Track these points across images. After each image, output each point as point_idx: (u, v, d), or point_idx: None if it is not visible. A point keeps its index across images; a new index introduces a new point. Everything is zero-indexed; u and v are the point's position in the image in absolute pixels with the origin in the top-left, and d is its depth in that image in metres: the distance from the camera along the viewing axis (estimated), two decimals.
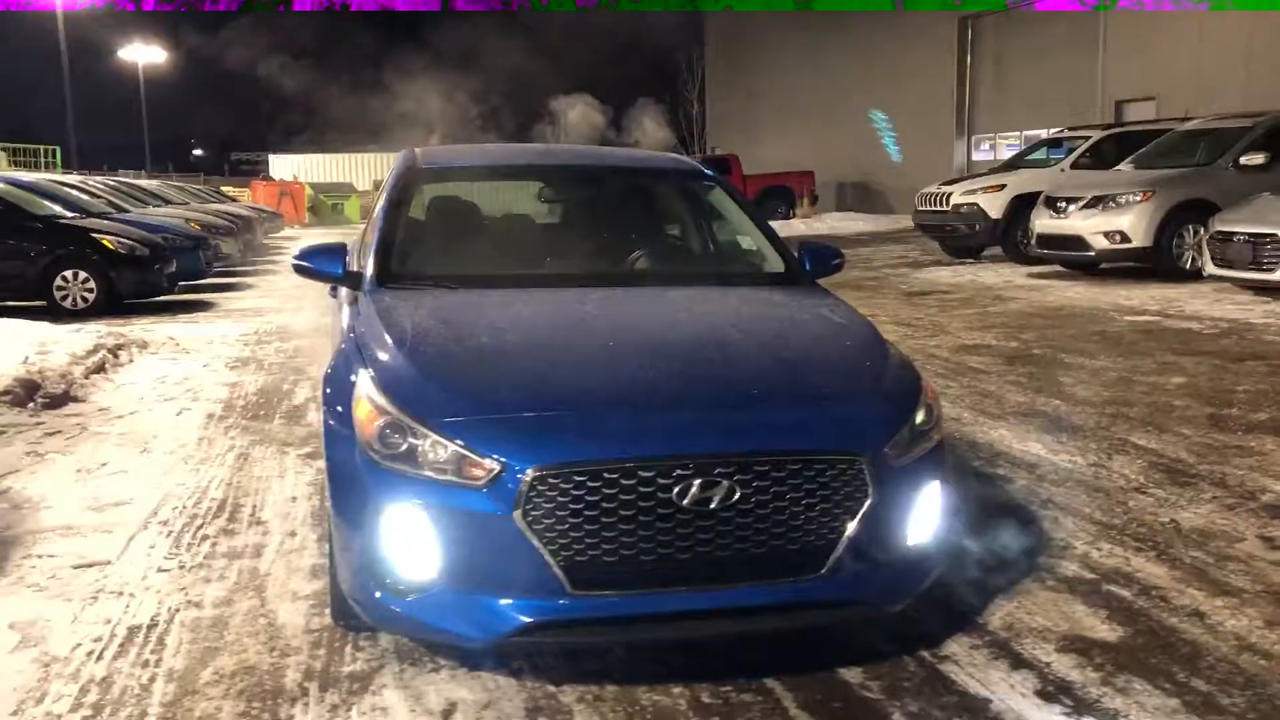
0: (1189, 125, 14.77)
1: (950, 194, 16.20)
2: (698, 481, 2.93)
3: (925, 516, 3.28)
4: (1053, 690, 3.19)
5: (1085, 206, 13.26)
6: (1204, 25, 20.15)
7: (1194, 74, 20.06)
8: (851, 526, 3.08)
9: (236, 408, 7.10)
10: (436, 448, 3.01)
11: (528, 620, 2.94)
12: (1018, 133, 26.40)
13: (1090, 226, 13.13)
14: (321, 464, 5.53)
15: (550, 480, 2.90)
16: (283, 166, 49.61)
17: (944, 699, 3.16)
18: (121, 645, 3.52)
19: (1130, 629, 3.59)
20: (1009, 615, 3.72)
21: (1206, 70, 19.88)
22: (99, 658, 3.43)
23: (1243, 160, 13.05)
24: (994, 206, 15.70)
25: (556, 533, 2.92)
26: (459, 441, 2.97)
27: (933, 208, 16.63)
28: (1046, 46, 24.74)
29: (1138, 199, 12.91)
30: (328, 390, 3.51)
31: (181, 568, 4.21)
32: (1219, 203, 12.64)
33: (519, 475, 2.89)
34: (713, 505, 2.94)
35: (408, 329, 3.46)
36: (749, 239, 4.59)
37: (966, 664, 3.37)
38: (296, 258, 4.30)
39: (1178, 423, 6.27)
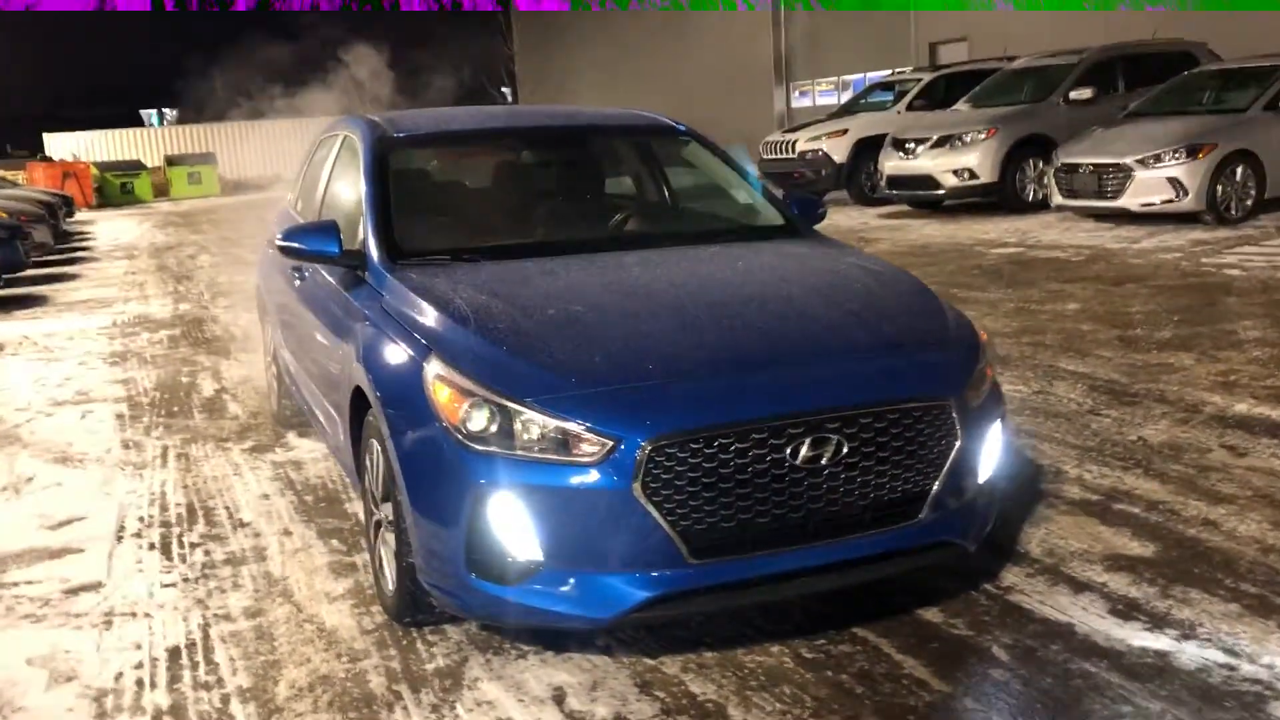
0: (1016, 64, 15.50)
1: (795, 141, 16.55)
2: (808, 439, 2.92)
3: (992, 453, 3.36)
4: (1123, 609, 3.34)
5: (933, 146, 13.78)
6: None
7: (1002, 13, 21.00)
8: (943, 470, 3.13)
9: (144, 406, 6.63)
10: (535, 426, 2.89)
11: (650, 594, 2.88)
12: (835, 79, 27.12)
13: (939, 165, 13.67)
14: (279, 457, 5.31)
15: (667, 450, 2.83)
16: (60, 145, 46.13)
17: (1030, 628, 3.26)
18: (170, 670, 3.26)
19: (1159, 544, 3.79)
20: (1043, 541, 3.87)
21: (1013, 9, 20.83)
22: (153, 685, 3.17)
23: (1072, 95, 13.80)
24: (838, 151, 16.13)
25: (675, 502, 2.85)
26: (563, 417, 2.86)
27: (779, 155, 16.94)
28: None
29: (982, 136, 13.50)
30: (380, 379, 3.31)
31: (186, 580, 3.93)
32: (1054, 137, 13.37)
33: (636, 447, 2.81)
34: (823, 461, 2.94)
35: (462, 306, 3.29)
36: (740, 192, 4.57)
37: (1032, 592, 3.49)
38: (282, 238, 4.02)
39: (1094, 346, 6.64)
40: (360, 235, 3.98)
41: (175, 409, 6.51)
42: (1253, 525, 3.90)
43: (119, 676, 3.24)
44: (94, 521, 4.59)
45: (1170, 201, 11.13)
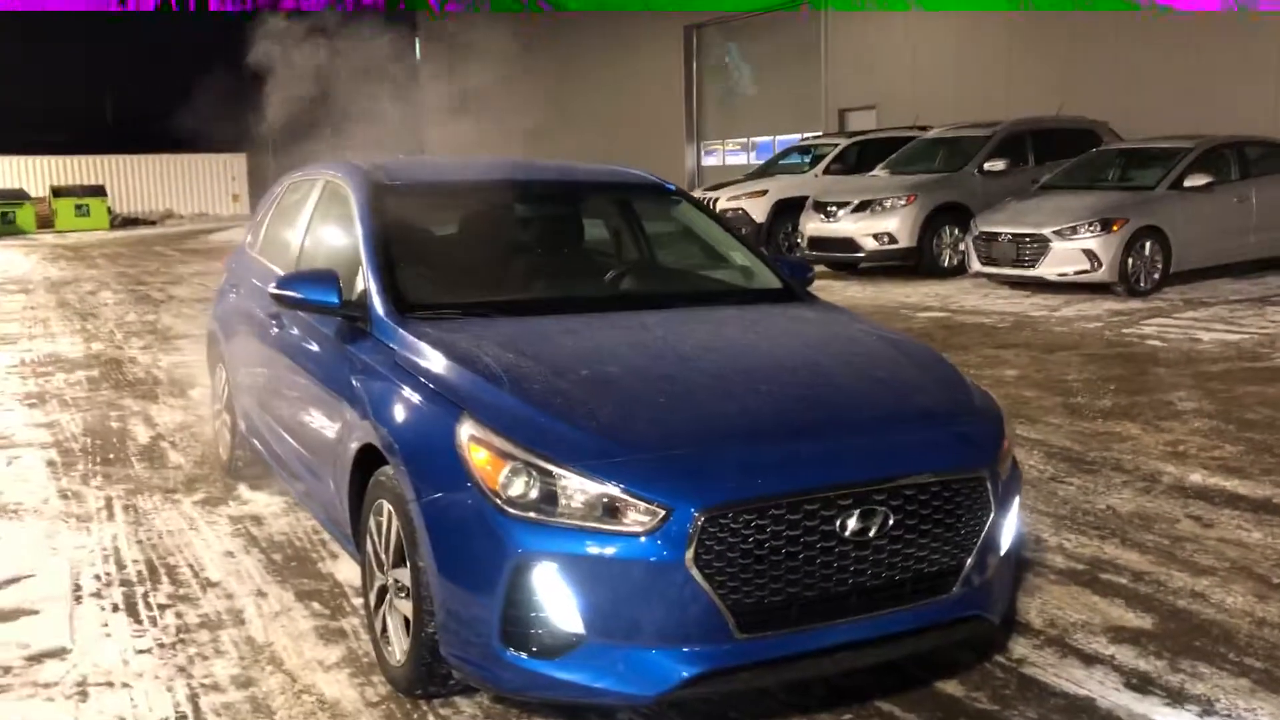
0: (931, 134, 16.00)
1: (716, 199, 16.74)
2: (857, 511, 2.89)
3: (1012, 525, 3.38)
4: (1138, 683, 3.37)
5: (854, 210, 14.08)
6: (914, 28, 21.75)
7: (909, 82, 21.70)
8: (978, 543, 3.13)
9: (75, 452, 6.27)
10: (581, 492, 2.79)
11: (697, 670, 2.79)
12: (745, 139, 27.62)
13: (860, 229, 13.96)
14: (235, 511, 5.08)
15: (720, 520, 2.76)
16: None
17: (1052, 701, 3.27)
18: None
19: (1155, 616, 3.85)
20: (1041, 611, 3.90)
21: (921, 77, 21.55)
22: None
23: (986, 166, 14.29)
24: (758, 211, 16.38)
25: (726, 574, 2.78)
26: (613, 484, 2.77)
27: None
28: (771, 55, 26.00)
29: (902, 203, 13.85)
30: (402, 437, 3.17)
31: (161, 646, 3.69)
32: (969, 205, 13.82)
33: (690, 516, 2.73)
34: (870, 534, 2.90)
35: (491, 364, 3.18)
36: (733, 253, 4.56)
37: (1044, 665, 3.50)
38: (278, 286, 3.86)
39: (1041, 413, 6.79)
40: (360, 286, 3.84)
41: (111, 456, 6.17)
42: (1239, 598, 3.99)
43: None
44: (44, 579, 4.30)
45: (1085, 272, 11.56)
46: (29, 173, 42.61)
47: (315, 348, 4.05)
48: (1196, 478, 5.40)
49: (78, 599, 4.10)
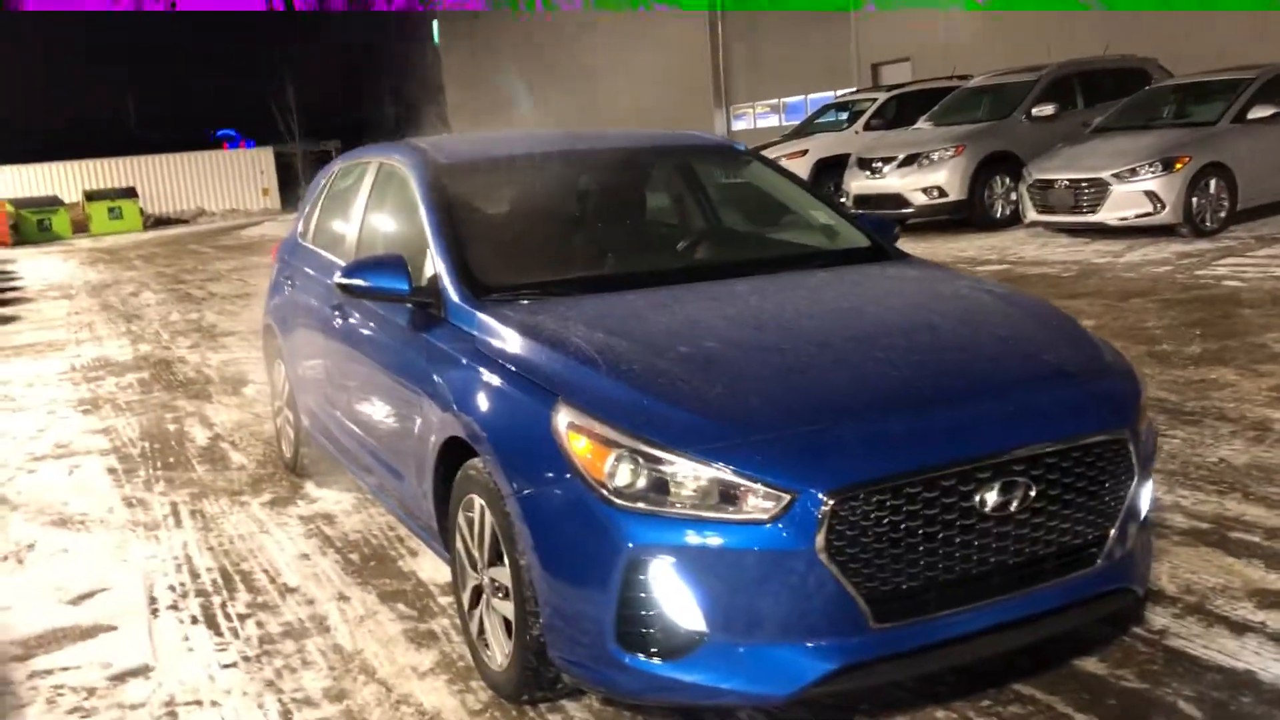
0: (973, 82, 15.54)
1: None
2: (997, 484, 2.64)
3: (1149, 489, 3.12)
4: None
5: (900, 165, 13.71)
6: None
7: (942, 32, 21.18)
8: (1122, 510, 2.87)
9: (135, 458, 6.13)
10: (694, 479, 2.57)
11: (834, 666, 2.56)
12: (776, 100, 27.19)
13: (908, 184, 13.59)
14: (305, 510, 4.90)
15: (851, 503, 2.52)
16: None
17: (1207, 677, 3.01)
18: None
19: None
20: (1174, 577, 3.63)
21: (953, 27, 21.03)
22: None
23: (1034, 112, 13.85)
24: (799, 171, 15.99)
25: (860, 561, 2.55)
26: (730, 468, 2.54)
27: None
28: (798, 13, 25.49)
29: (950, 154, 13.46)
30: (492, 428, 2.96)
31: (246, 659, 3.51)
32: (1019, 153, 13.40)
33: (818, 500, 2.50)
34: (1012, 508, 2.66)
35: (583, 346, 2.95)
36: (815, 213, 4.29)
37: (1190, 636, 3.24)
38: (344, 275, 3.65)
39: None
40: (429, 271, 3.62)
41: (171, 460, 6.02)
42: None
43: None
44: (118, 593, 4.14)
45: (1147, 215, 11.15)
46: (61, 179, 42.84)
47: (384, 337, 3.84)
48: None
49: (154, 612, 3.94)
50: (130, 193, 38.40)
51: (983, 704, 2.96)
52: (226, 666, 3.47)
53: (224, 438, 6.47)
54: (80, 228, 35.65)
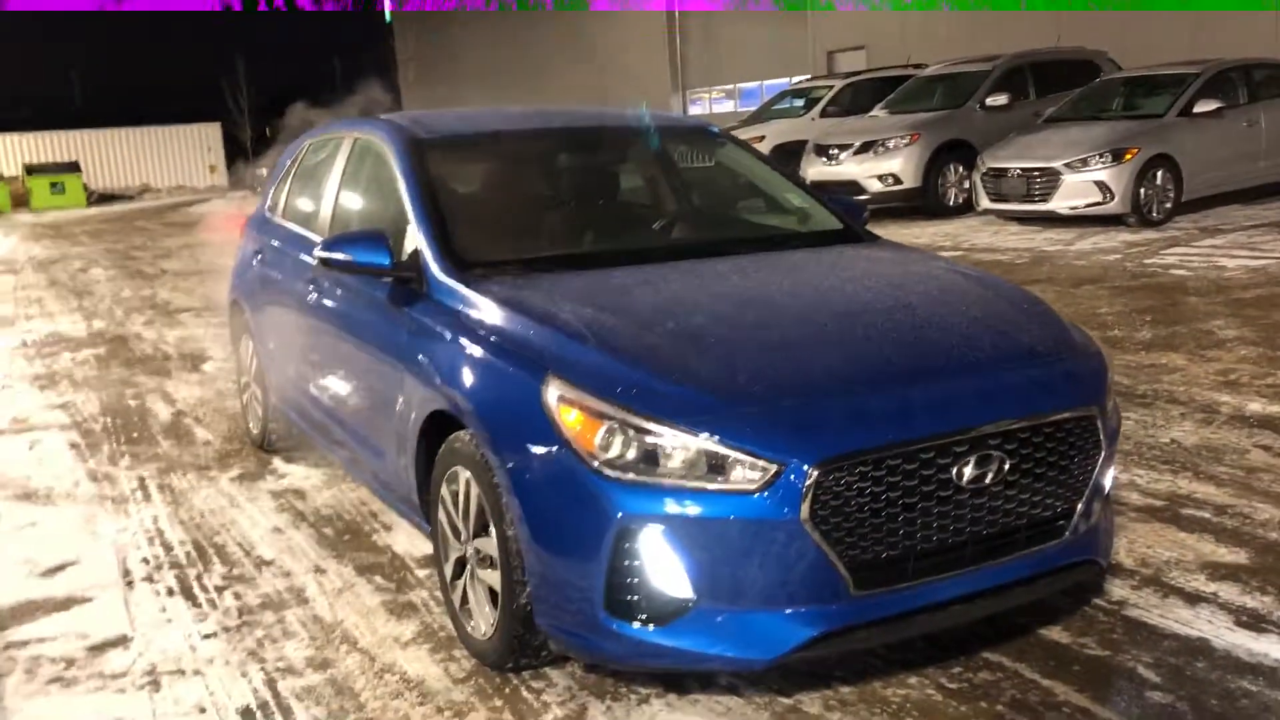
0: (929, 71, 15.74)
1: None
2: (973, 458, 2.74)
3: (1112, 465, 3.24)
4: (1249, 620, 3.25)
5: (857, 152, 13.87)
6: None
7: (898, 21, 21.40)
8: (1090, 484, 2.99)
9: (97, 433, 6.09)
10: (683, 450, 2.64)
11: (815, 632, 2.65)
12: (731, 86, 27.28)
13: (864, 170, 13.76)
14: (275, 486, 4.92)
15: (835, 474, 2.61)
16: None
17: (1165, 644, 3.14)
18: None
19: (1249, 550, 3.73)
20: (1131, 551, 3.77)
21: (909, 16, 21.25)
22: None
23: (988, 101, 14.07)
24: None
25: (843, 530, 2.64)
26: (719, 440, 2.62)
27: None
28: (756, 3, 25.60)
29: (905, 142, 13.64)
30: (481, 401, 3.00)
31: (227, 630, 3.53)
32: (973, 142, 13.62)
33: (804, 471, 2.58)
34: (987, 480, 2.76)
35: (571, 320, 3.01)
36: (788, 195, 4.37)
37: (1148, 607, 3.38)
38: (326, 249, 3.66)
39: None
40: (409, 246, 3.65)
41: (135, 435, 5.99)
42: None
43: None
44: (90, 565, 4.13)
45: (1097, 204, 11.40)
46: (1, 152, 41.84)
47: (363, 312, 3.86)
48: (1255, 406, 5.28)
49: (129, 584, 3.94)
50: (73, 167, 37.62)
51: (954, 670, 3.07)
52: (207, 637, 3.49)
53: (187, 414, 6.43)
54: (20, 202, 34.89)
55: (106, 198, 38.66)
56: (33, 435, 6.11)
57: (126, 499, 4.91)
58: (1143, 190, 11.37)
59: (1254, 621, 3.24)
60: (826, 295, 3.39)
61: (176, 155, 43.48)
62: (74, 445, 5.85)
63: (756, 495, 2.60)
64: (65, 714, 3.05)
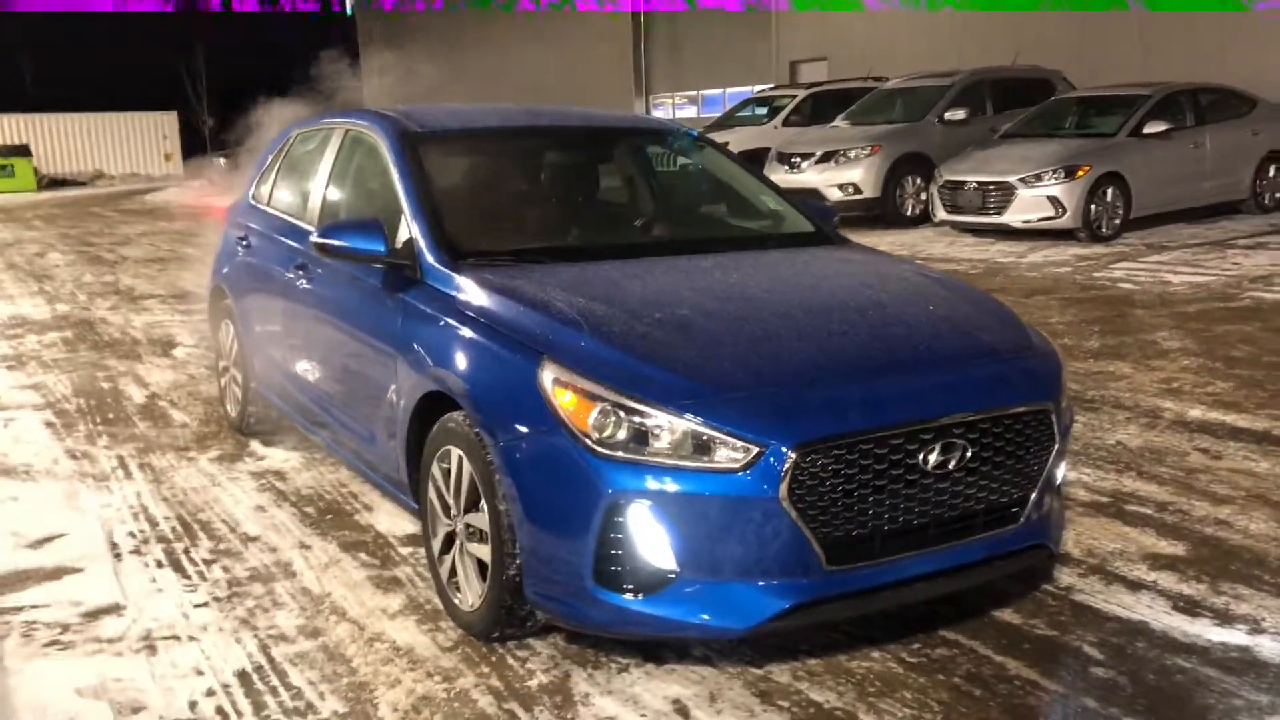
0: (890, 84, 16.08)
1: None
2: (938, 445, 2.95)
3: (1063, 459, 3.47)
4: (1185, 605, 3.50)
5: (819, 161, 14.15)
6: None
7: (861, 33, 21.76)
8: (1043, 474, 3.22)
9: (72, 413, 6.15)
10: (671, 432, 2.82)
11: (789, 603, 2.85)
12: (694, 92, 27.54)
13: (825, 180, 14.04)
14: (254, 467, 5.04)
15: (812, 457, 2.81)
16: None
17: (1108, 626, 3.38)
18: (249, 695, 3.03)
19: (1186, 543, 3.98)
20: (1078, 542, 4.01)
21: (872, 29, 21.62)
22: (239, 713, 2.94)
23: (946, 116, 14.42)
24: None
25: (817, 509, 2.83)
26: (705, 422, 2.80)
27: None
28: (720, 7, 25.87)
29: (866, 153, 13.94)
30: (476, 382, 3.17)
31: (218, 600, 3.66)
32: (931, 155, 13.96)
33: (783, 453, 2.77)
34: (950, 466, 2.97)
35: (565, 308, 3.18)
36: (763, 198, 4.57)
37: (1093, 592, 3.61)
38: (323, 235, 3.80)
39: None
40: (403, 234, 3.80)
41: (111, 416, 6.06)
42: (1261, 524, 4.14)
43: (194, 705, 2.99)
44: (77, 538, 4.23)
45: (1049, 218, 11.75)
46: None
47: (355, 298, 4.00)
48: (1196, 413, 5.57)
49: (117, 556, 4.05)
50: (23, 150, 37.10)
51: (913, 646, 3.28)
52: (199, 606, 3.61)
53: (161, 397, 6.51)
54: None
55: (58, 182, 38.19)
56: (6, 414, 6.16)
57: (108, 476, 5.00)
58: (1093, 206, 11.74)
59: (1189, 606, 3.48)
60: (803, 292, 3.59)
61: (131, 142, 43.03)
62: (49, 424, 5.92)
63: (739, 474, 2.79)
64: (66, 675, 3.16)
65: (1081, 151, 12.05)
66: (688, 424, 2.81)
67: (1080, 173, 11.66)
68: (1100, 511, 4.31)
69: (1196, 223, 12.83)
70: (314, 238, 3.85)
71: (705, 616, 2.86)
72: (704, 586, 2.85)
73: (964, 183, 12.33)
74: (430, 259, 3.63)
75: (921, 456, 2.93)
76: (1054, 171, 11.73)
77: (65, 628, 3.47)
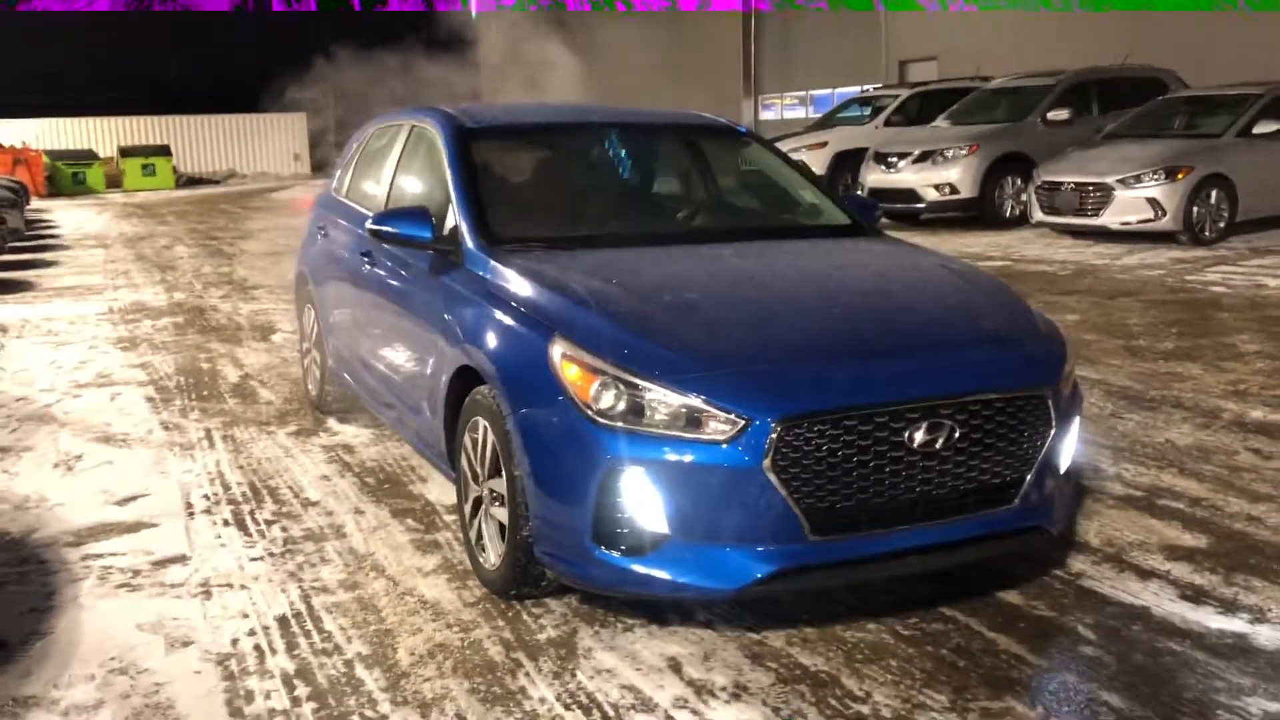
0: (993, 84, 15.89)
1: None
2: (925, 424, 3.08)
3: (1071, 445, 3.54)
4: (1192, 594, 3.54)
5: (916, 161, 14.09)
6: None
7: (970, 33, 21.47)
8: (1038, 458, 3.31)
9: (171, 390, 6.63)
10: (665, 404, 3.01)
11: (773, 568, 3.01)
12: (803, 92, 27.50)
13: (922, 179, 13.98)
14: (326, 441, 5.37)
15: (796, 430, 2.97)
16: (9, 132, 45.10)
17: (1108, 610, 3.45)
18: (285, 637, 3.33)
19: (1211, 536, 4.00)
20: (1099, 532, 4.06)
21: (982, 28, 21.32)
22: (273, 651, 3.24)
23: (1049, 116, 14.20)
24: (818, 162, 16.39)
25: (801, 480, 3.00)
26: (696, 396, 2.99)
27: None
28: (830, 7, 25.78)
29: (964, 153, 13.83)
30: (497, 357, 3.42)
31: (272, 555, 3.99)
32: (1032, 155, 13.76)
33: (768, 426, 2.95)
34: (937, 445, 3.10)
35: (580, 290, 3.41)
36: (803, 192, 4.73)
37: (1101, 579, 3.68)
38: (375, 222, 4.11)
39: (1102, 355, 6.89)
40: (450, 222, 4.07)
41: (205, 393, 6.52)
42: None
43: (235, 642, 3.31)
44: (158, 498, 4.63)
45: (1148, 221, 11.51)
46: (97, 133, 43.42)
47: (408, 282, 4.29)
48: (1257, 414, 5.50)
49: (190, 515, 4.42)
50: (164, 150, 39.00)
51: (910, 620, 3.40)
52: (255, 559, 3.95)
53: (253, 377, 6.96)
54: (113, 183, 36.30)
55: (194, 181, 40.03)
56: (114, 389, 6.67)
57: (193, 446, 5.42)
58: (1195, 209, 11.46)
59: (1196, 595, 3.53)
60: (814, 279, 3.75)
61: (263, 142, 44.80)
62: (150, 399, 6.40)
63: (726, 445, 2.97)
64: (131, 612, 3.52)
65: (1184, 152, 11.77)
66: (681, 397, 3.01)
67: (1181, 174, 11.39)
68: (1131, 505, 4.34)
69: None
70: (369, 224, 4.16)
71: (695, 577, 3.04)
72: (694, 550, 3.04)
73: (1061, 183, 12.16)
74: (470, 244, 3.90)
75: (907, 434, 3.06)
76: (1154, 173, 11.49)
77: (136, 573, 3.84)
